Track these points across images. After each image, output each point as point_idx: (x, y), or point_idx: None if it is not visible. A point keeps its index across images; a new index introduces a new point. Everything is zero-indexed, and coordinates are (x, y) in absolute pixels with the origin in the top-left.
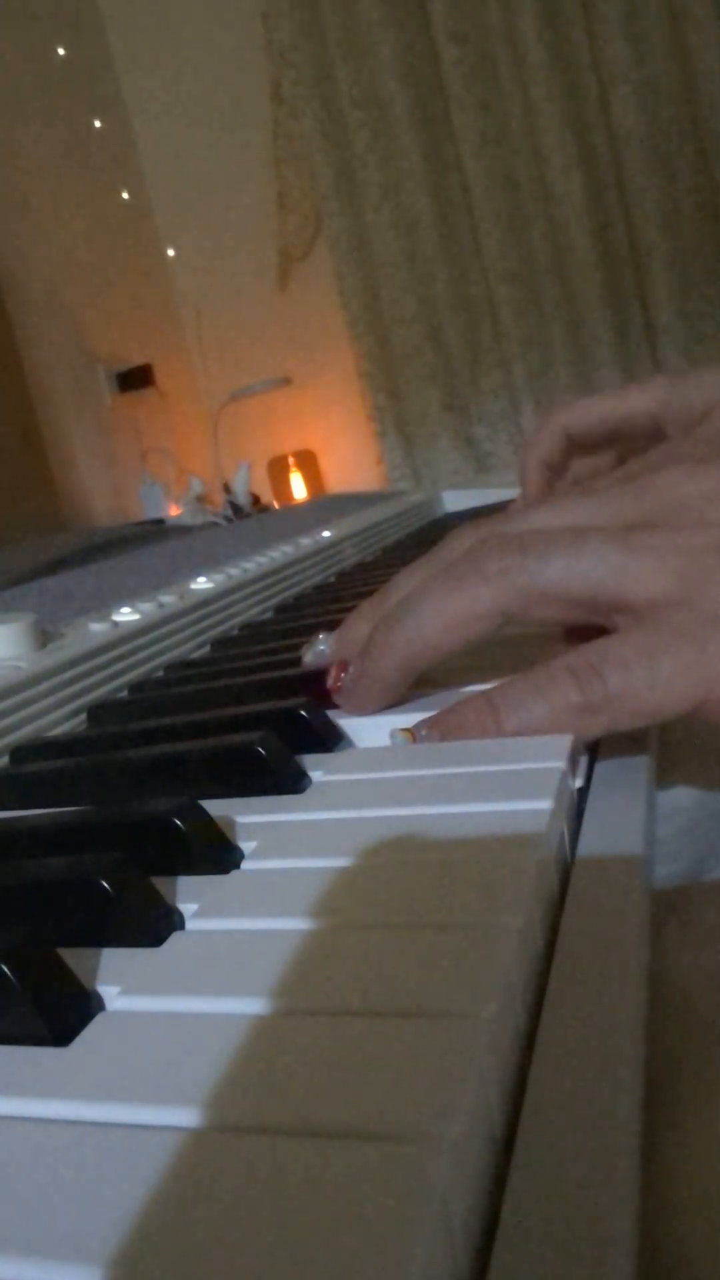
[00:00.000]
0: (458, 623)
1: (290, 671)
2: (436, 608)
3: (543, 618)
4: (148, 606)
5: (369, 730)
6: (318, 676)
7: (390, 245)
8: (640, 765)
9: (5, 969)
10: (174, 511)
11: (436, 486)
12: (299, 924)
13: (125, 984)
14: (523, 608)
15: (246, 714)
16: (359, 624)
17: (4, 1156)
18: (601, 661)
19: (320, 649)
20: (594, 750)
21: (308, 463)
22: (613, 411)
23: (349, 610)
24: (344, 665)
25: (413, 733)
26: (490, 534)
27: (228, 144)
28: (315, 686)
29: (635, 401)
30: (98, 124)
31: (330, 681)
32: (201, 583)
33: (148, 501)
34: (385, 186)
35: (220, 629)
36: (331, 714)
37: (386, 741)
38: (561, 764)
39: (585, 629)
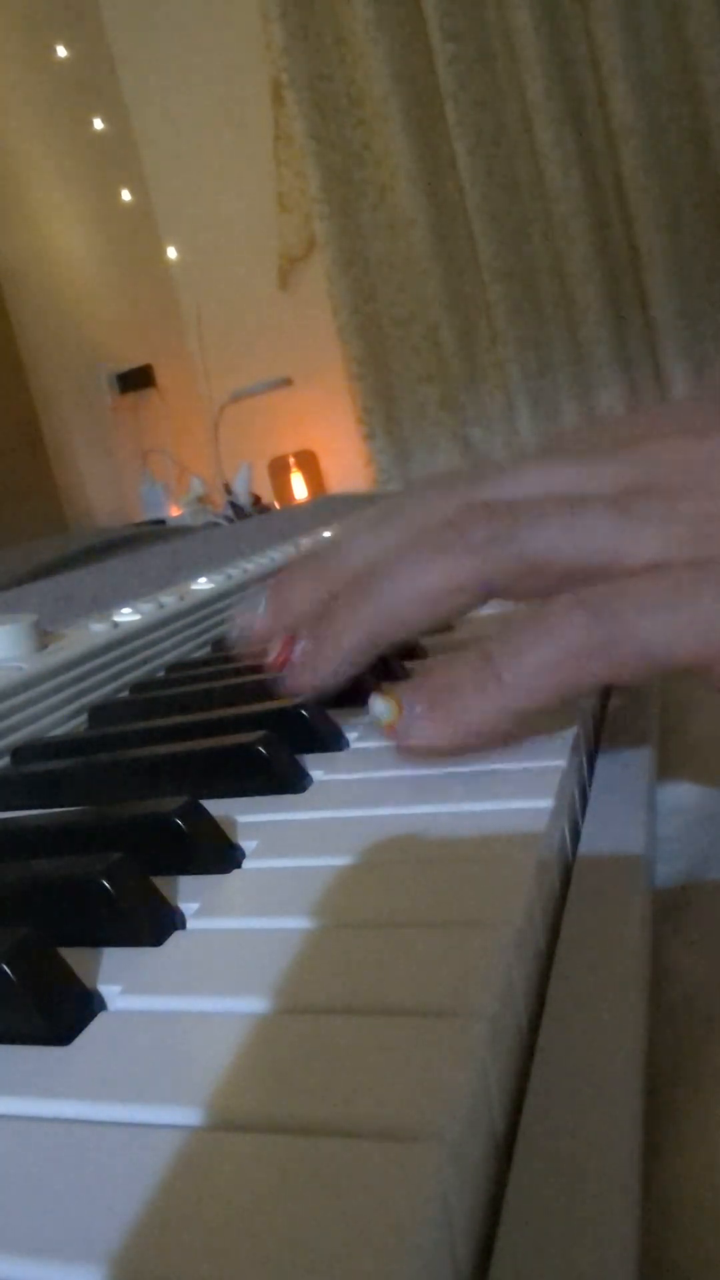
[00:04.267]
0: (436, 595)
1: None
2: (413, 578)
3: (529, 591)
4: (148, 607)
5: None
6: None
7: (387, 245)
8: (641, 765)
9: (6, 969)
10: (175, 512)
11: None
12: (300, 923)
13: (126, 983)
14: (510, 580)
15: (247, 714)
16: (299, 585)
17: (5, 1156)
18: (616, 594)
19: (254, 609)
20: (595, 748)
21: (308, 463)
22: None
23: None
24: (291, 639)
25: (397, 698)
26: (475, 500)
27: (228, 144)
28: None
29: None
30: (98, 124)
31: (275, 656)
32: (202, 583)
33: (148, 502)
34: (382, 186)
35: (221, 629)
36: (332, 714)
37: (387, 743)
38: (563, 763)
39: None
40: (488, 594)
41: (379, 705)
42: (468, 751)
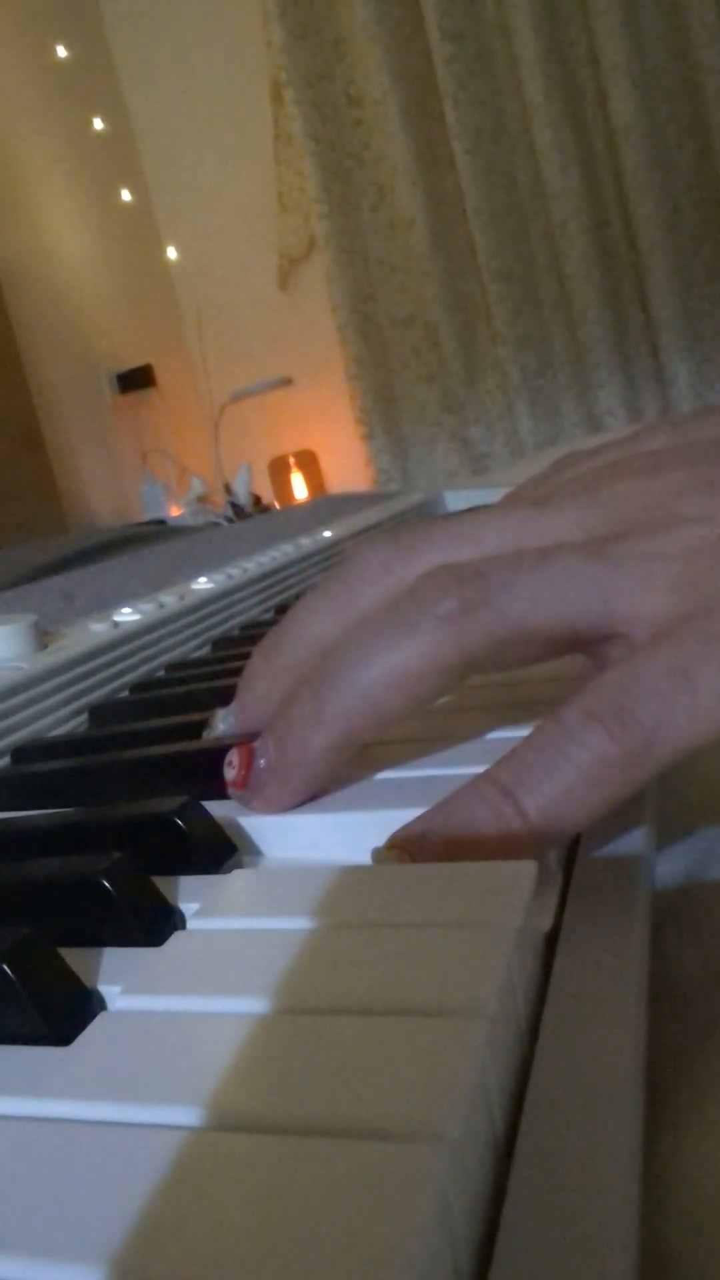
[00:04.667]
0: (413, 679)
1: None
2: (382, 663)
3: (514, 661)
4: (148, 606)
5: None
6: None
7: (387, 244)
8: None
9: (6, 969)
10: (175, 512)
11: (434, 487)
12: (300, 923)
13: (126, 983)
14: (490, 652)
15: None
16: (261, 686)
17: (5, 1156)
18: (626, 695)
19: (222, 730)
20: None
21: (309, 463)
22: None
23: None
24: (249, 750)
25: (407, 849)
26: (437, 565)
27: (228, 144)
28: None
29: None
30: (98, 124)
31: (233, 775)
32: (202, 583)
33: (149, 502)
34: (381, 185)
35: (221, 629)
36: None
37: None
38: None
39: None
40: (469, 670)
41: (384, 859)
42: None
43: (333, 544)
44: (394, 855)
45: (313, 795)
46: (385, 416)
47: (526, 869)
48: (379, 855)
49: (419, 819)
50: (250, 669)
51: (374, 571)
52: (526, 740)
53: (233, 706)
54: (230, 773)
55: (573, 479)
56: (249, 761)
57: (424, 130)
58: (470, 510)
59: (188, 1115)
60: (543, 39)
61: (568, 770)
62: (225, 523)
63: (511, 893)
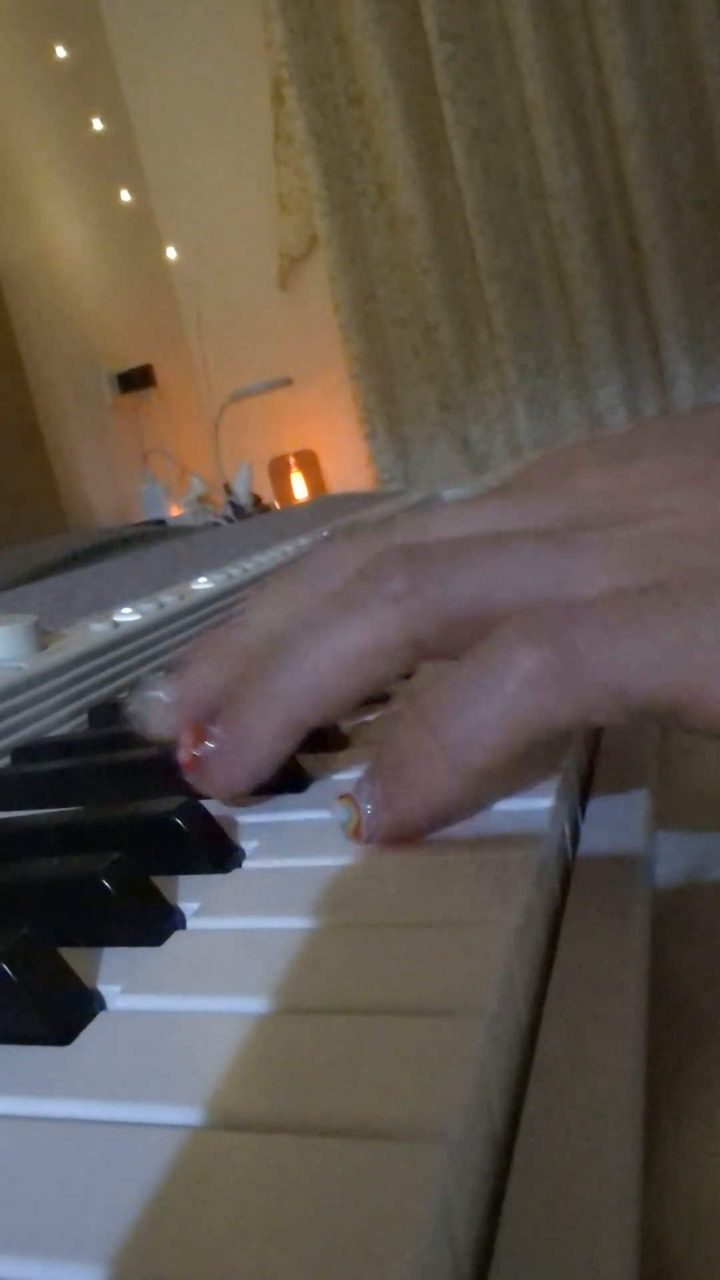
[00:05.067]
0: (357, 660)
1: None
2: (329, 644)
3: (465, 646)
4: (148, 607)
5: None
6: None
7: (387, 243)
8: (641, 764)
9: (6, 969)
10: (175, 512)
11: (433, 486)
12: (300, 923)
13: (126, 983)
14: (439, 634)
15: None
16: (204, 667)
17: (5, 1156)
18: (568, 619)
19: (156, 696)
20: (594, 752)
21: (309, 463)
22: None
23: None
24: (198, 731)
25: (351, 798)
26: (388, 547)
27: (228, 144)
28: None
29: None
30: (98, 124)
31: (181, 755)
32: (202, 583)
33: (149, 502)
34: (381, 185)
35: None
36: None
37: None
38: (567, 761)
39: None
40: (418, 654)
41: (338, 810)
42: (442, 827)
43: None
44: (346, 803)
45: (261, 779)
46: (387, 416)
47: (526, 869)
48: (335, 807)
49: (368, 766)
50: (195, 649)
51: (328, 564)
52: (457, 663)
53: (174, 680)
54: (182, 754)
55: (543, 471)
56: (197, 743)
57: (424, 130)
58: (434, 504)
59: (188, 1115)
60: (543, 38)
61: (494, 690)
62: (225, 523)
63: (511, 891)
